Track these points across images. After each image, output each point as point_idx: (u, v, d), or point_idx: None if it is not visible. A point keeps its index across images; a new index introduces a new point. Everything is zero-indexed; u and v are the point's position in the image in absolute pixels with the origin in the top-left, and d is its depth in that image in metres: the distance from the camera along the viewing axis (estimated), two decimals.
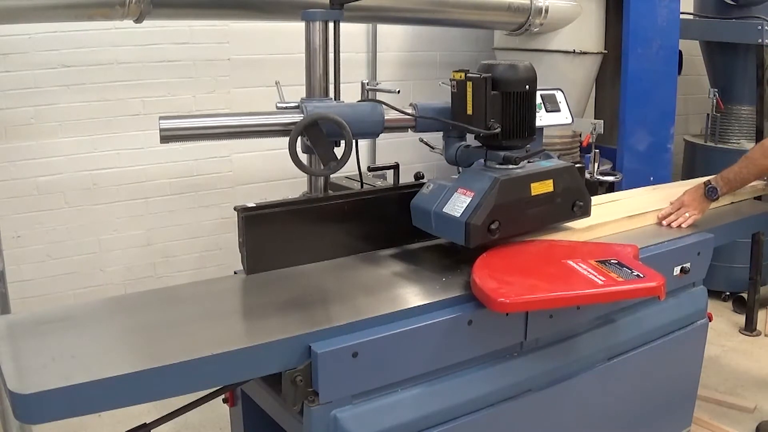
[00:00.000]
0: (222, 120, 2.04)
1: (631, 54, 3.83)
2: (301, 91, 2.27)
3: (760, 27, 4.11)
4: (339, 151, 2.02)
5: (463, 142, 2.24)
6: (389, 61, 4.48)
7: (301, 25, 2.24)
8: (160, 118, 1.90)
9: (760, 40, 4.12)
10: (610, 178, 3.00)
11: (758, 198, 2.85)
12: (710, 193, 2.53)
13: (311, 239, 2.11)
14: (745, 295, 4.39)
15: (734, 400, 3.45)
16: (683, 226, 2.46)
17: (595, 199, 2.38)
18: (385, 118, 2.13)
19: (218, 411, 2.85)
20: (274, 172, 4.11)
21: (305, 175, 2.24)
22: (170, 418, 1.78)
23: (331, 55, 2.29)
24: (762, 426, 3.18)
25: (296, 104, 2.11)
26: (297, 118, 2.02)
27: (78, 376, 1.38)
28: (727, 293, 4.72)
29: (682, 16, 4.04)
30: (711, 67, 4.86)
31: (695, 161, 4.88)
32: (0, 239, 2.79)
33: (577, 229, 2.26)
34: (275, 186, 4.10)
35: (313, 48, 2.23)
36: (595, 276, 1.83)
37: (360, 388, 1.69)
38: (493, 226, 1.98)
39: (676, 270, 2.31)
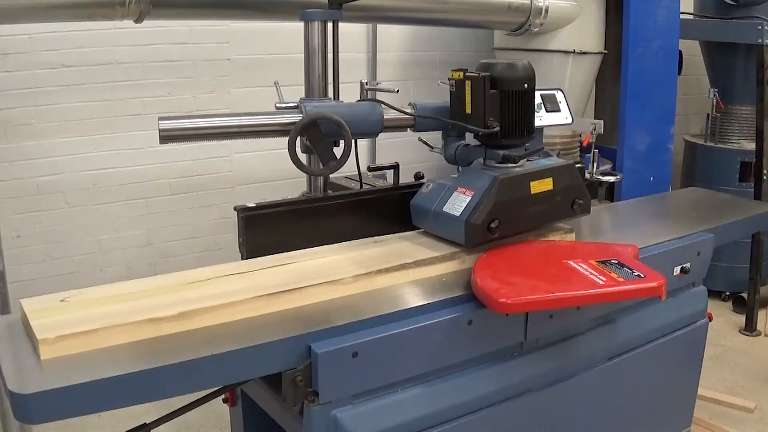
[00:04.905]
0: (221, 120, 2.04)
1: (631, 54, 3.83)
2: (301, 91, 2.27)
3: (760, 27, 4.12)
4: (338, 151, 2.02)
5: (462, 141, 2.24)
6: (389, 61, 4.48)
7: (301, 25, 2.24)
8: (160, 118, 1.90)
9: (760, 40, 4.12)
10: (610, 178, 2.99)
11: (758, 197, 2.85)
12: None
13: (311, 239, 2.10)
14: (745, 295, 4.39)
15: (734, 400, 3.45)
16: None
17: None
18: (385, 117, 2.12)
19: (218, 411, 2.86)
20: (274, 172, 4.11)
21: (305, 175, 2.24)
22: (170, 418, 1.78)
23: (330, 55, 2.29)
24: None
25: (295, 104, 2.10)
26: (296, 118, 2.01)
27: (78, 376, 1.38)
28: (727, 293, 4.72)
29: (682, 16, 4.04)
30: (711, 67, 4.86)
31: (695, 161, 4.88)
32: (0, 239, 2.79)
33: None
34: (275, 186, 4.10)
35: (312, 48, 2.23)
36: (596, 276, 1.83)
37: (360, 388, 1.68)
38: (492, 225, 1.98)
39: (676, 270, 2.31)
